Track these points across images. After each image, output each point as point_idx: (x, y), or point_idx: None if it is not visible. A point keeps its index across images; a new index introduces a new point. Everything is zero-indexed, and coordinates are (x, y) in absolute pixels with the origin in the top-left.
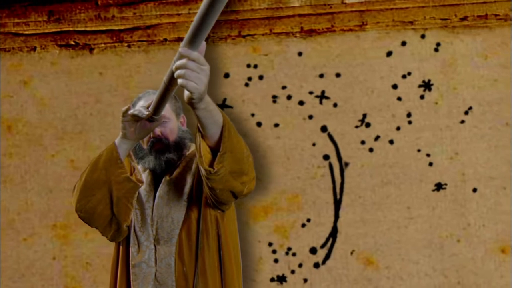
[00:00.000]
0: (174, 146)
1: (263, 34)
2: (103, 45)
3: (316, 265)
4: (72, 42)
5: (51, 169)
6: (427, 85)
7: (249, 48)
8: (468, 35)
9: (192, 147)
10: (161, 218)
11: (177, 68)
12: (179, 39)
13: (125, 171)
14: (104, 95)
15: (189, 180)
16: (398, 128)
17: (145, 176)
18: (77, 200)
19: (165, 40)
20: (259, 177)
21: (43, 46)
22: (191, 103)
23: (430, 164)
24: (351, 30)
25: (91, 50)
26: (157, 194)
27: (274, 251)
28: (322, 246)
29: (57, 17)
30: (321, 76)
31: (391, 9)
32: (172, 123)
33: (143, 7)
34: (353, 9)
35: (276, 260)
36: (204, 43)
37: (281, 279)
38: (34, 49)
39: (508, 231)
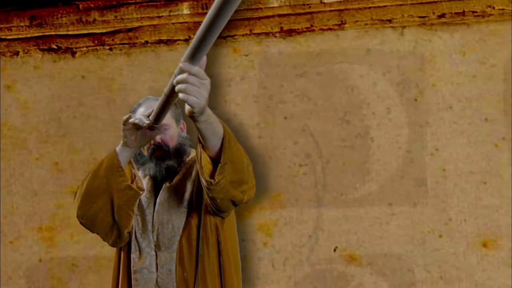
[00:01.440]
0: (174, 153)
1: (243, 35)
2: (85, 48)
3: (300, 263)
4: (54, 46)
5: (35, 172)
6: (406, 83)
7: (230, 49)
8: (446, 32)
9: (192, 153)
10: (162, 225)
11: (178, 82)
12: (160, 41)
13: (126, 179)
14: (87, 98)
15: (189, 187)
16: (378, 126)
17: (145, 183)
18: (78, 207)
19: (147, 42)
20: None
21: (26, 50)
22: (192, 117)
23: (411, 160)
24: (330, 29)
25: (73, 53)
26: (158, 200)
27: (258, 250)
28: (305, 244)
29: (39, 21)
30: (302, 75)
31: (370, 7)
32: (172, 130)
33: (124, 10)
34: (332, 8)
35: (260, 259)
36: (204, 57)
37: (266, 276)
38: (17, 53)
39: (489, 226)
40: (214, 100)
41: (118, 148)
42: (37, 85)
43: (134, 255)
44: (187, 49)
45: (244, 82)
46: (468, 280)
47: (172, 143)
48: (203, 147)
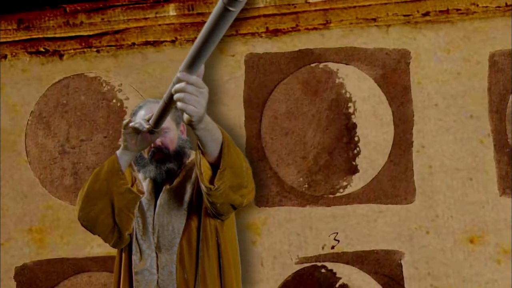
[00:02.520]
0: (174, 156)
1: (229, 35)
2: (72, 51)
3: (289, 261)
4: (42, 49)
5: (25, 175)
6: (391, 81)
7: (216, 49)
8: (430, 30)
9: (192, 155)
10: (162, 227)
11: (176, 91)
12: (147, 43)
13: (126, 182)
14: (75, 100)
15: (189, 189)
16: (364, 124)
17: (145, 185)
18: (79, 209)
19: (133, 44)
20: None
21: (14, 53)
22: (191, 125)
23: (397, 158)
24: (315, 28)
25: (60, 56)
26: (158, 202)
27: (247, 248)
28: (294, 242)
29: (27, 25)
30: (288, 74)
31: (354, 7)
32: (172, 133)
33: (110, 13)
34: (317, 8)
35: (249, 257)
36: (202, 66)
37: (255, 275)
38: (5, 57)
39: (476, 222)
40: None
41: (118, 152)
42: (25, 87)
43: (135, 257)
44: (185, 59)
45: (231, 82)
46: (456, 276)
47: (172, 146)
48: (203, 153)
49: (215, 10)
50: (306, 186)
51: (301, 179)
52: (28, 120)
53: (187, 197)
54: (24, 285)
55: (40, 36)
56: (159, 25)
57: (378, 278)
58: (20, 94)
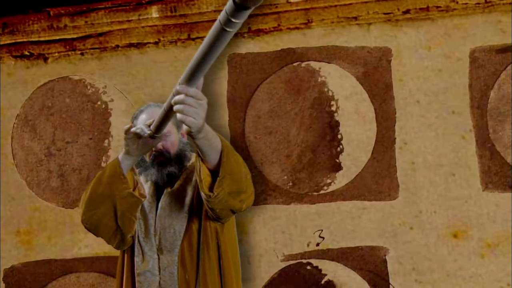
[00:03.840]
0: (175, 159)
1: None
2: (57, 54)
3: (275, 259)
4: (26, 53)
5: (12, 177)
6: (373, 78)
7: None
8: (411, 28)
9: (193, 158)
10: (164, 229)
11: (176, 103)
12: (131, 45)
13: (128, 187)
14: (60, 103)
15: (189, 192)
16: (347, 121)
17: (147, 187)
18: (83, 212)
19: (117, 46)
20: None
21: None
22: (190, 135)
23: (380, 155)
24: (297, 28)
25: (45, 59)
26: (159, 205)
27: None
28: (279, 240)
29: (11, 29)
30: (271, 74)
31: (335, 6)
32: (173, 137)
33: (94, 15)
34: (298, 7)
35: None
36: (201, 78)
37: (241, 273)
38: None
39: (459, 216)
40: None
41: (120, 156)
42: (11, 91)
43: (137, 259)
44: (184, 72)
45: (214, 83)
46: (440, 271)
47: (173, 150)
48: (202, 160)
49: (213, 29)
50: (291, 184)
51: (285, 177)
52: (14, 123)
53: (188, 199)
54: (12, 286)
55: (25, 40)
56: (142, 27)
57: (363, 274)
58: (6, 98)
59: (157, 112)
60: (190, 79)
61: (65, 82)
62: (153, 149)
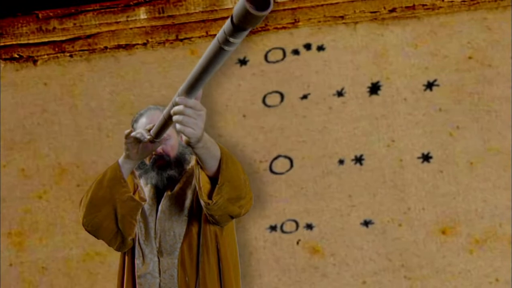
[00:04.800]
0: (175, 162)
1: (199, 37)
2: (46, 56)
3: (264, 257)
4: (16, 55)
5: (3, 179)
6: (360, 77)
7: (187, 51)
8: (397, 26)
9: (193, 161)
10: (164, 232)
11: (175, 114)
12: (119, 46)
13: (129, 190)
14: (50, 105)
15: (189, 195)
16: (335, 120)
17: (147, 190)
18: (83, 215)
19: (106, 48)
20: None
21: None
22: (189, 145)
23: (368, 152)
24: (284, 27)
25: (34, 62)
26: (160, 208)
27: None
28: (269, 238)
29: (0, 32)
30: (258, 74)
31: (322, 5)
32: (173, 140)
33: (82, 17)
34: (285, 7)
35: None
36: (200, 90)
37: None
38: None
39: (447, 213)
40: None
41: (120, 160)
42: (1, 94)
43: (138, 261)
44: (183, 84)
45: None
46: (429, 267)
47: (173, 153)
48: (202, 168)
49: (211, 47)
50: (280, 182)
51: (275, 175)
52: (5, 125)
53: (187, 203)
54: (5, 287)
55: (14, 42)
56: (131, 28)
57: (353, 271)
58: None
59: (157, 115)
60: (189, 91)
61: (54, 84)
62: (153, 152)
